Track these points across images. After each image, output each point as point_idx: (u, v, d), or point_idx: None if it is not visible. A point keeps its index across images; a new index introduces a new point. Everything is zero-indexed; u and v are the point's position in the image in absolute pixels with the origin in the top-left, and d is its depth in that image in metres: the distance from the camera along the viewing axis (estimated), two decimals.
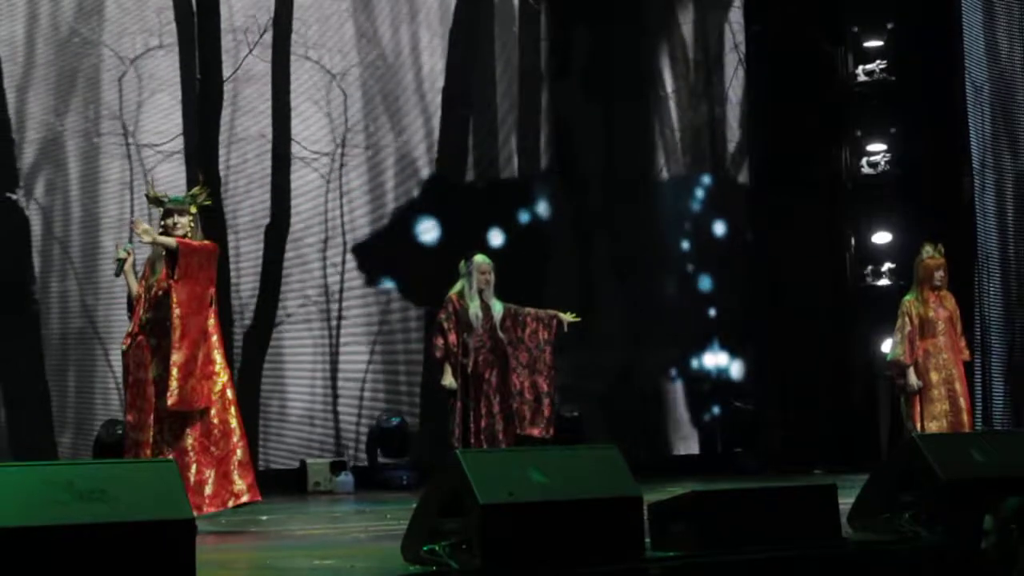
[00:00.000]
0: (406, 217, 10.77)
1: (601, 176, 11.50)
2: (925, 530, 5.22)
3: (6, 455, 9.12)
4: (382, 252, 10.64)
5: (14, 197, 9.53)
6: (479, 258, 8.33)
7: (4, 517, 4.00)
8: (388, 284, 10.66)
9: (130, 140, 9.87)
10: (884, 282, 11.20)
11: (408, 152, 10.79)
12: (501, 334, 8.24)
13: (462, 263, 8.37)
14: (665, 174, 11.80)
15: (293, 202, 10.29)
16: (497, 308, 8.29)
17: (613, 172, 11.51)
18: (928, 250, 8.18)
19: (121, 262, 6.77)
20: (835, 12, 11.63)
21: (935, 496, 5.19)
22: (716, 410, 11.64)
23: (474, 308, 8.21)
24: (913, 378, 7.97)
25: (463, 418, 8.11)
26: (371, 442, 10.38)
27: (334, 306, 10.42)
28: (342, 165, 10.53)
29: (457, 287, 8.33)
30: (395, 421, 10.39)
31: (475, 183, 11.09)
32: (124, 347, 6.71)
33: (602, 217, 11.48)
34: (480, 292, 8.27)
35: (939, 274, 8.10)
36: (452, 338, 8.21)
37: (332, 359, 10.41)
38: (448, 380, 8.21)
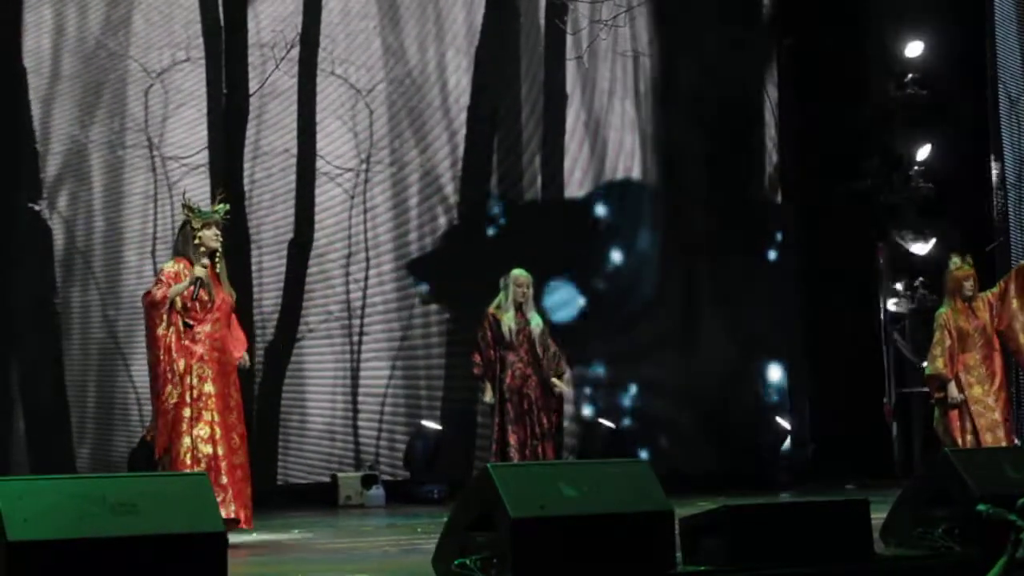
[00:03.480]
0: (432, 233, 10.83)
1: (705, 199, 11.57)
2: (958, 546, 5.18)
3: (24, 467, 9.13)
4: (405, 268, 10.66)
5: (37, 208, 9.57)
6: (516, 272, 8.33)
7: (37, 530, 4.01)
8: (411, 301, 10.69)
9: (155, 153, 9.91)
10: (917, 296, 11.14)
11: (433, 169, 10.82)
12: (539, 350, 8.22)
13: (502, 278, 8.38)
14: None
15: (317, 217, 10.32)
16: (536, 322, 8.28)
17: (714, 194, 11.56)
18: (956, 261, 8.09)
19: (199, 280, 6.70)
20: (867, 26, 11.60)
21: (968, 511, 5.14)
22: (748, 424, 11.61)
23: (508, 322, 8.21)
24: (954, 391, 7.88)
25: (501, 434, 8.08)
26: (404, 456, 10.40)
27: (356, 321, 10.43)
28: (367, 181, 10.55)
29: (495, 302, 8.34)
30: (426, 438, 10.40)
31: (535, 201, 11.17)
32: (174, 361, 6.62)
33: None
34: (519, 306, 8.25)
35: (968, 284, 8.01)
36: (490, 354, 8.20)
37: (353, 374, 10.42)
38: (488, 396, 8.21)
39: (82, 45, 9.82)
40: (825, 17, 11.52)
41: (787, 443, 11.53)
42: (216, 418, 6.56)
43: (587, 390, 11.17)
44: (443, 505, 8.95)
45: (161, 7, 9.97)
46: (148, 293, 6.78)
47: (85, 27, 9.85)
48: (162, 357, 6.60)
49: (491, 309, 8.33)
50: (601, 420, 11.10)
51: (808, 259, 11.62)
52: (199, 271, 6.68)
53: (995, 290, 8.09)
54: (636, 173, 11.60)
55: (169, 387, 6.59)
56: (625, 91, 11.57)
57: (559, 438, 8.45)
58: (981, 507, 4.18)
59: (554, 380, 8.33)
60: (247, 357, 7.10)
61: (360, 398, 10.43)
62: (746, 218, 11.75)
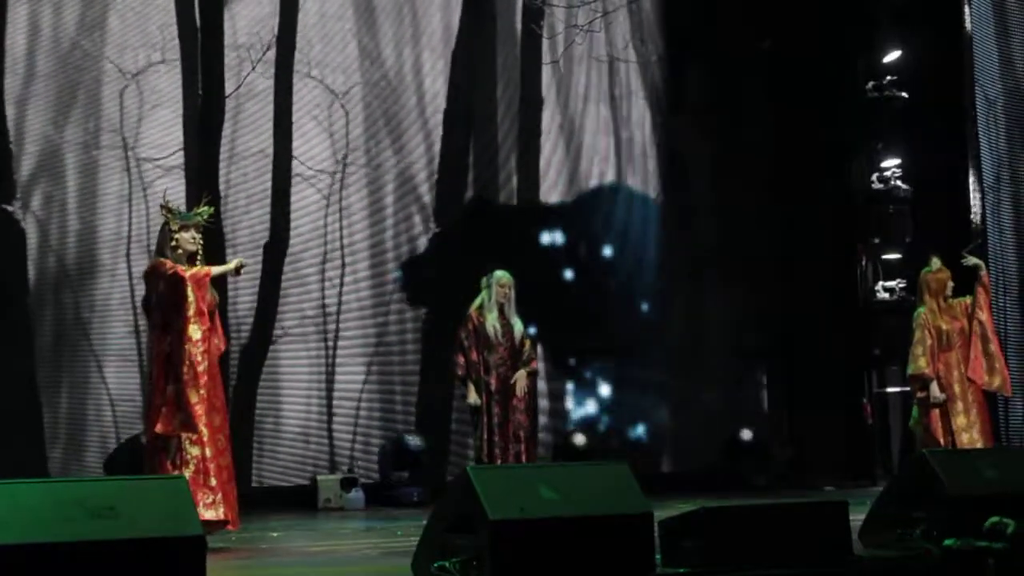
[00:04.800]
0: (406, 236, 10.81)
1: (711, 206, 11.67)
2: (936, 547, 5.20)
3: None
4: (380, 271, 10.64)
5: (11, 209, 9.50)
6: (499, 273, 8.25)
7: (14, 534, 3.98)
8: (385, 302, 10.67)
9: (130, 154, 9.86)
10: (895, 297, 11.20)
11: (408, 172, 10.81)
12: (520, 351, 8.16)
13: (483, 278, 8.31)
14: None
15: (293, 219, 10.30)
16: (518, 326, 8.22)
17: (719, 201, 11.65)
18: (936, 262, 8.13)
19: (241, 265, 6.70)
20: (845, 29, 11.66)
21: (946, 512, 5.17)
22: (727, 427, 11.64)
23: (491, 322, 8.14)
24: (936, 391, 7.91)
25: (489, 435, 8.01)
26: (383, 459, 10.37)
27: (331, 324, 10.40)
28: (342, 183, 10.54)
29: (477, 302, 8.26)
30: (411, 441, 10.36)
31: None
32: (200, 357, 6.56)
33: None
34: (500, 307, 8.18)
35: (950, 285, 8.08)
36: (473, 355, 8.11)
37: (328, 377, 10.39)
38: (472, 398, 8.14)
39: (57, 45, 9.77)
40: (804, 20, 11.57)
41: (766, 444, 11.56)
42: (203, 420, 6.51)
43: (568, 393, 11.20)
44: (423, 507, 8.95)
45: (137, 8, 9.94)
46: (176, 270, 6.56)
47: (60, 27, 9.79)
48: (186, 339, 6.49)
49: (473, 310, 8.25)
50: (574, 431, 11.09)
51: (787, 261, 11.65)
52: (235, 263, 6.68)
53: (970, 298, 8.17)
54: (610, 176, 11.64)
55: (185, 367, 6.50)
56: (600, 95, 11.61)
57: (535, 440, 8.43)
58: (948, 542, 4.20)
59: (519, 373, 8.22)
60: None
61: (335, 401, 10.41)
62: (734, 221, 11.82)
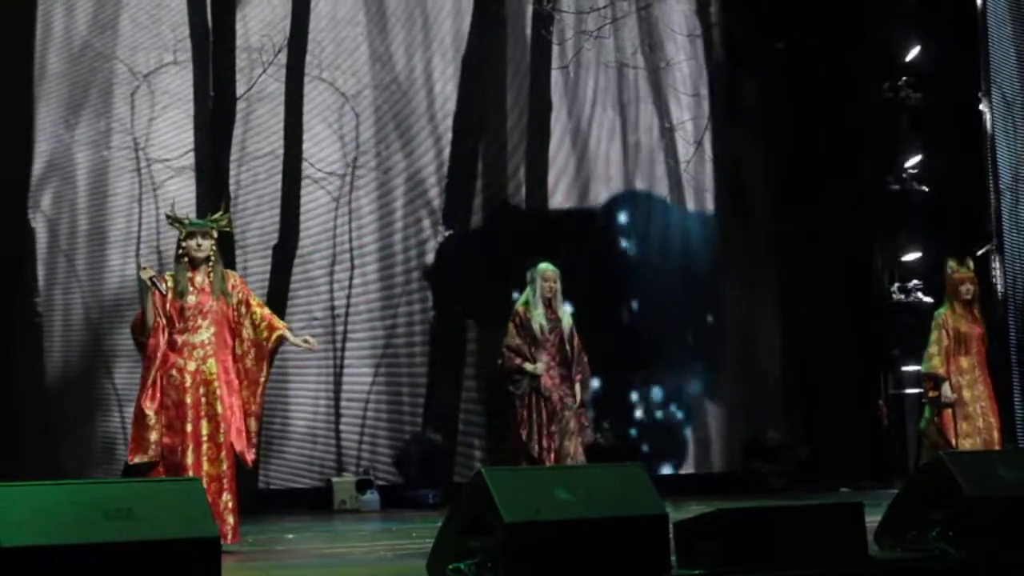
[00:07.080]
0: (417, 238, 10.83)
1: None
2: (953, 548, 5.19)
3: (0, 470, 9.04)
4: (389, 273, 10.64)
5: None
6: (543, 265, 8.02)
7: (31, 535, 3.98)
8: (394, 305, 10.68)
9: (140, 155, 9.88)
10: (912, 299, 11.19)
11: (418, 175, 10.82)
12: (568, 347, 8.04)
13: (528, 272, 8.13)
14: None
15: (302, 221, 10.32)
16: (567, 319, 8.04)
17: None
18: (952, 264, 8.14)
19: (154, 281, 6.50)
20: (862, 28, 11.65)
21: (962, 514, 5.16)
22: (743, 428, 11.62)
23: (537, 318, 7.96)
24: (948, 391, 7.92)
25: (537, 431, 7.86)
26: (397, 460, 10.37)
27: (339, 326, 10.40)
28: (352, 186, 10.55)
29: (523, 298, 8.07)
30: (423, 442, 10.36)
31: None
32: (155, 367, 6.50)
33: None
34: (547, 302, 8.01)
35: (964, 288, 8.07)
36: (524, 350, 7.93)
37: (336, 379, 10.39)
38: (531, 367, 7.86)
39: (69, 44, 9.80)
40: (820, 19, 11.56)
41: (782, 446, 11.55)
42: (189, 428, 6.42)
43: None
44: (438, 509, 8.94)
45: (148, 9, 9.98)
46: (134, 320, 6.71)
47: (72, 26, 9.82)
48: (146, 364, 6.48)
49: (519, 306, 8.02)
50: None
51: (803, 261, 11.65)
52: (143, 274, 6.54)
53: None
54: (618, 181, 11.64)
55: (147, 395, 6.45)
56: (609, 100, 11.62)
57: (584, 436, 8.17)
58: None
59: (577, 387, 8.05)
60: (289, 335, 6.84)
61: (343, 402, 10.41)
62: (747, 222, 11.81)
